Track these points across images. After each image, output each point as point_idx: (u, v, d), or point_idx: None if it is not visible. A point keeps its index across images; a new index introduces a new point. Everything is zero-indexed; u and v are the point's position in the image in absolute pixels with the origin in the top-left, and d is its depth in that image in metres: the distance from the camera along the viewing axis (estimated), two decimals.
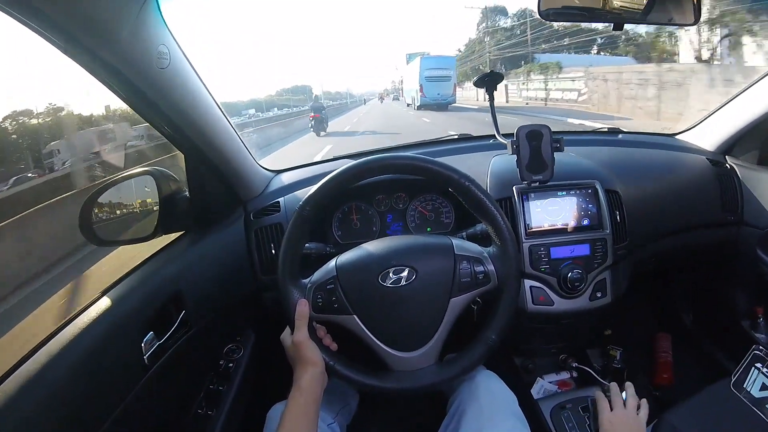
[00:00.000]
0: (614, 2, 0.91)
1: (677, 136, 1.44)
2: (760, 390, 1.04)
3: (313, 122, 13.71)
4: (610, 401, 0.89)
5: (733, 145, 1.28)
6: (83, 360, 0.63)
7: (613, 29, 0.87)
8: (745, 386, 1.06)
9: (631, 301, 1.13)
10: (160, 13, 0.68)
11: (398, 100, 42.78)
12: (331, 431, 0.87)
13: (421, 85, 19.56)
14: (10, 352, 0.64)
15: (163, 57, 0.70)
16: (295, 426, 0.67)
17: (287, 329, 0.78)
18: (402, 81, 30.51)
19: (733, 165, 1.27)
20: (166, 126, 0.80)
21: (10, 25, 0.54)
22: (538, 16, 0.84)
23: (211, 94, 0.87)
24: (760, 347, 1.11)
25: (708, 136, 1.34)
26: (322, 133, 13.54)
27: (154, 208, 0.90)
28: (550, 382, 1.24)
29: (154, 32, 0.68)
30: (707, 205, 1.23)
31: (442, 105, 19.30)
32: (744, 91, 1.20)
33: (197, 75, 0.81)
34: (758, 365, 1.08)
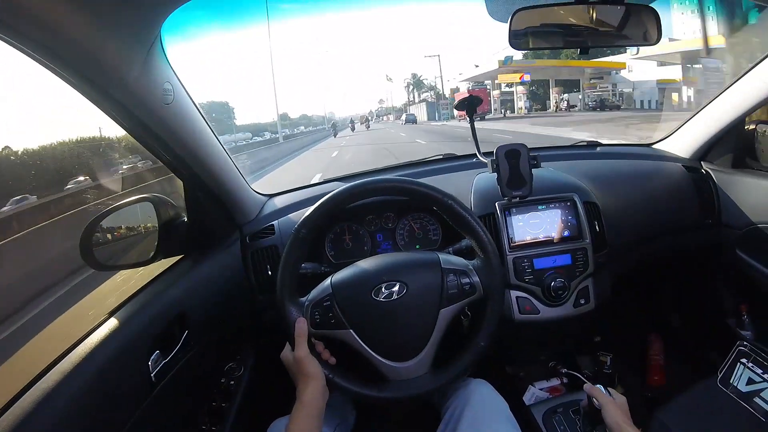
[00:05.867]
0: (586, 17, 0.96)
1: (654, 146, 1.50)
2: (747, 384, 1.08)
3: None
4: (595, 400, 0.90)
5: (708, 150, 1.34)
6: (95, 377, 0.66)
7: (579, 53, 0.91)
8: (731, 382, 1.09)
9: (618, 307, 1.17)
10: (165, 53, 0.74)
11: (413, 123, 31.31)
12: None
13: None
14: (24, 369, 0.68)
15: (167, 93, 0.75)
16: None
17: (287, 347, 0.82)
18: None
19: (708, 170, 1.32)
20: (168, 155, 0.85)
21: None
22: (509, 46, 0.89)
23: (209, 125, 0.92)
24: (745, 343, 1.14)
25: (683, 144, 1.39)
26: None
27: (153, 234, 0.94)
28: (541, 389, 1.28)
29: (160, 71, 0.73)
30: (685, 209, 1.28)
31: None
32: (714, 99, 1.26)
33: (197, 108, 0.87)
34: (743, 360, 1.12)
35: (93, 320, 0.77)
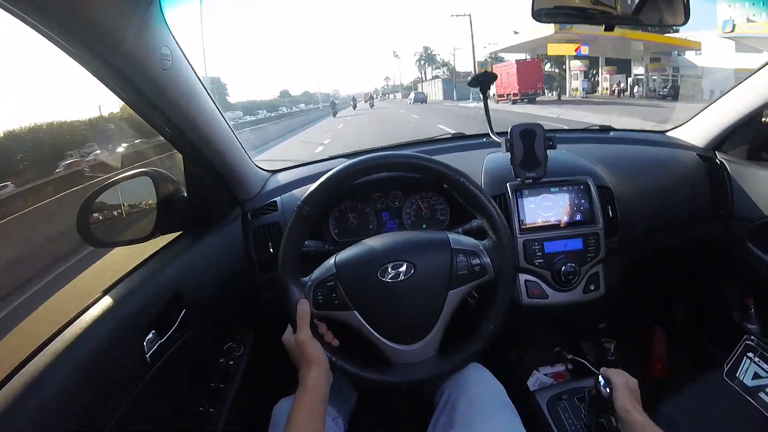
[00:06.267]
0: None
1: (668, 133, 1.46)
2: (753, 379, 1.06)
3: None
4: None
5: (723, 140, 1.30)
6: (88, 359, 0.63)
7: (604, 30, 0.88)
8: (737, 375, 1.08)
9: (625, 294, 1.15)
10: (163, 15, 0.69)
11: (423, 102, 26.24)
12: (335, 425, 0.88)
13: None
14: (14, 350, 0.65)
15: (165, 59, 0.70)
16: (303, 426, 0.67)
17: (289, 329, 0.80)
18: None
19: (722, 160, 1.29)
20: (167, 127, 0.81)
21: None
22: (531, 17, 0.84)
23: (210, 95, 0.88)
24: (752, 337, 1.13)
25: (698, 133, 1.36)
26: None
27: (152, 209, 0.91)
28: (546, 375, 1.26)
29: (158, 34, 0.69)
30: (698, 199, 1.25)
31: None
32: (733, 88, 1.22)
33: (197, 76, 0.82)
34: (750, 355, 1.10)
35: (87, 299, 0.74)
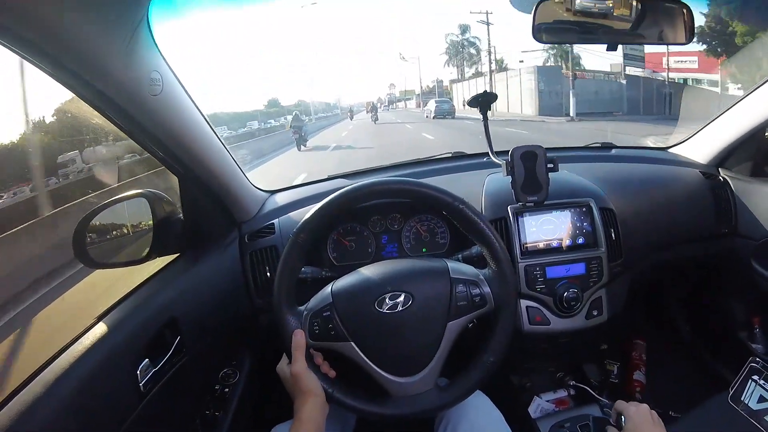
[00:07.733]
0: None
1: (670, 150, 1.45)
2: (758, 402, 1.04)
3: None
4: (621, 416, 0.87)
5: (726, 157, 1.29)
6: (79, 389, 0.62)
7: (607, 49, 0.87)
8: (743, 399, 1.06)
9: (627, 315, 1.13)
10: (152, 37, 0.67)
11: (449, 116, 17.51)
12: None
13: None
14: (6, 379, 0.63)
15: (155, 84, 0.69)
16: None
17: (284, 359, 0.78)
18: None
19: (726, 177, 1.27)
20: (160, 151, 0.80)
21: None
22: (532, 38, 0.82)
23: (204, 117, 0.87)
24: (757, 359, 1.11)
25: (701, 149, 1.34)
26: None
27: (148, 231, 0.90)
28: (548, 401, 1.24)
29: (146, 59, 0.67)
30: (701, 217, 1.24)
31: None
32: (735, 104, 1.21)
33: (190, 98, 0.81)
34: (755, 377, 1.08)
35: (80, 324, 0.73)
